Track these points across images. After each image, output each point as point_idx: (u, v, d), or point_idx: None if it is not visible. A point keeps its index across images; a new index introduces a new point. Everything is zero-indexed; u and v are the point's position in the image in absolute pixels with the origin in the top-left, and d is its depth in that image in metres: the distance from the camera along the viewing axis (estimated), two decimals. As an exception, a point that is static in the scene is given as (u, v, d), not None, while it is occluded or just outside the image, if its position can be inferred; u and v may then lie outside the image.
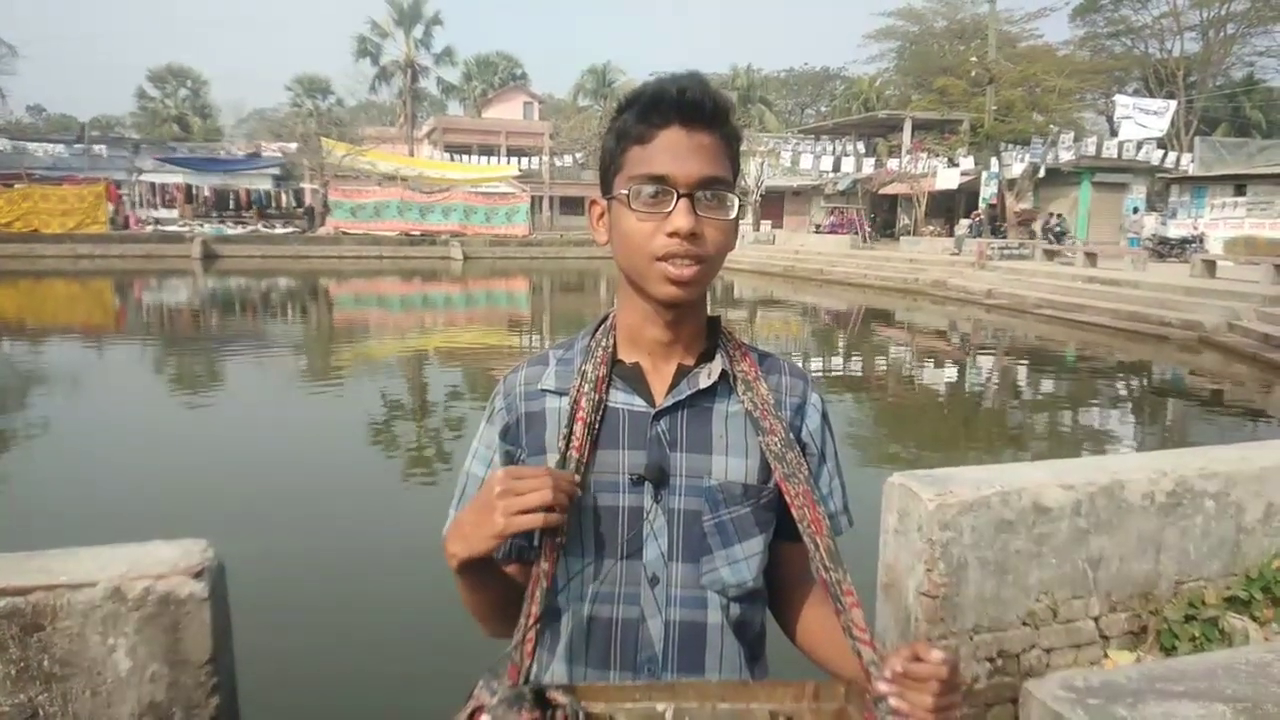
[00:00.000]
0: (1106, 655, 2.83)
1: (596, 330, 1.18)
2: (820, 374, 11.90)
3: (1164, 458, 3.11)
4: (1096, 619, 2.83)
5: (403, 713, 3.47)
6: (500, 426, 1.15)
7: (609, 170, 1.10)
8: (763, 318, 20.38)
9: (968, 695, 2.68)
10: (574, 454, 1.07)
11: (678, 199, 1.02)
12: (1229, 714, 1.87)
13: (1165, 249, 23.54)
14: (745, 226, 38.79)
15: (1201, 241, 23.46)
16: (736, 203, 1.07)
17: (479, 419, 1.21)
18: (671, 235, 1.02)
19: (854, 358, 14.43)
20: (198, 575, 1.79)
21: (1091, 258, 20.94)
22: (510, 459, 1.15)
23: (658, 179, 1.03)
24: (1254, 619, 2.82)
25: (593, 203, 1.14)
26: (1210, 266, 17.91)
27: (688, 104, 1.03)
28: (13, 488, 6.62)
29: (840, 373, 12.68)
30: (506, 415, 1.16)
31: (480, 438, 1.19)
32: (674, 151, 1.03)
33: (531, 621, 1.02)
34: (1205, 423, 9.79)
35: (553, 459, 1.10)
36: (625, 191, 1.04)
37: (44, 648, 1.71)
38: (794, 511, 1.07)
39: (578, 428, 1.08)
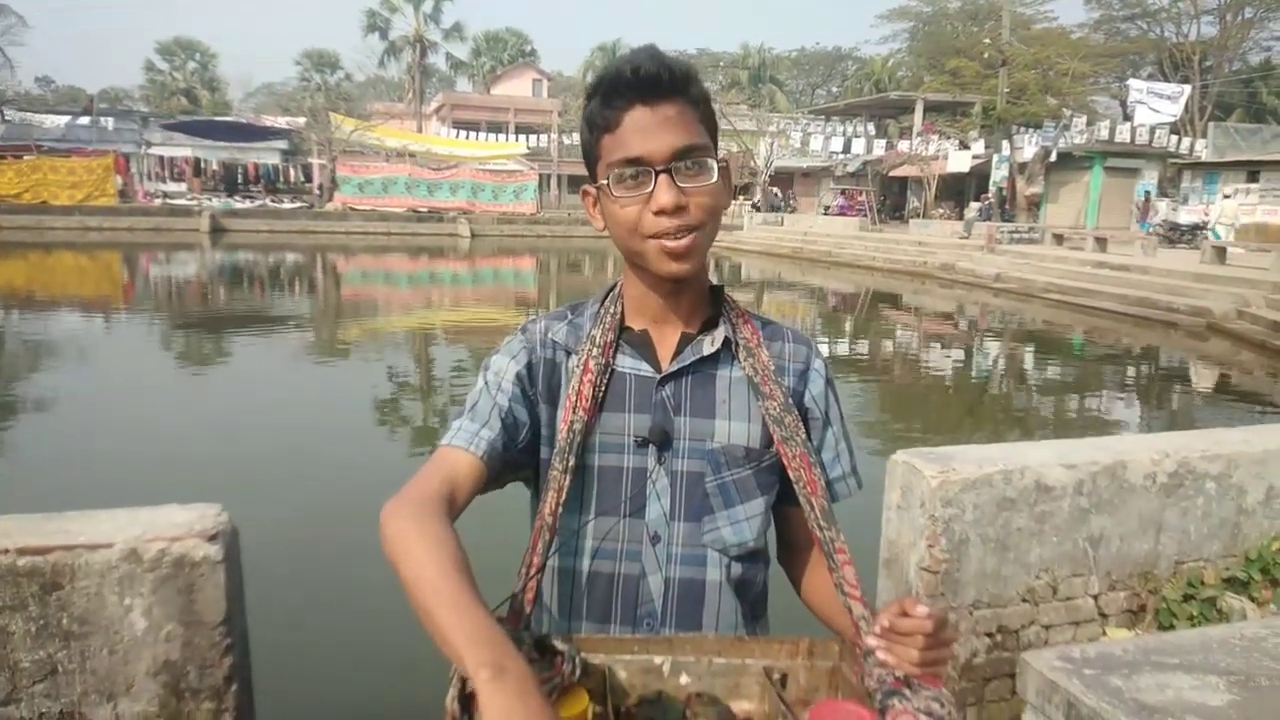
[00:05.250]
0: (1105, 633, 2.86)
1: (605, 297, 1.20)
2: (828, 357, 11.93)
3: (1167, 439, 3.12)
4: (1096, 597, 2.86)
5: (413, 676, 3.52)
6: (524, 363, 1.15)
7: (590, 159, 1.11)
8: (770, 299, 20.34)
9: (966, 669, 2.72)
10: (581, 415, 1.10)
11: (656, 176, 1.03)
12: (1222, 685, 1.90)
13: (1176, 235, 23.40)
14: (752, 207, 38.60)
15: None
16: (717, 166, 1.06)
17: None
18: (658, 213, 1.03)
19: (861, 340, 14.43)
20: (212, 539, 1.82)
21: (1101, 243, 20.83)
22: (524, 395, 1.14)
23: (633, 161, 1.03)
24: (1252, 599, 2.84)
25: (584, 192, 1.15)
26: (1220, 253, 17.80)
27: (644, 80, 1.02)
28: (30, 453, 6.70)
29: (846, 355, 12.68)
30: (529, 355, 1.16)
31: (491, 368, 1.17)
32: (642, 130, 1.03)
33: (534, 571, 1.05)
34: (1211, 409, 9.77)
35: (562, 415, 1.13)
36: (606, 180, 1.06)
37: (63, 606, 1.75)
38: (790, 473, 1.10)
39: (585, 389, 1.11)
